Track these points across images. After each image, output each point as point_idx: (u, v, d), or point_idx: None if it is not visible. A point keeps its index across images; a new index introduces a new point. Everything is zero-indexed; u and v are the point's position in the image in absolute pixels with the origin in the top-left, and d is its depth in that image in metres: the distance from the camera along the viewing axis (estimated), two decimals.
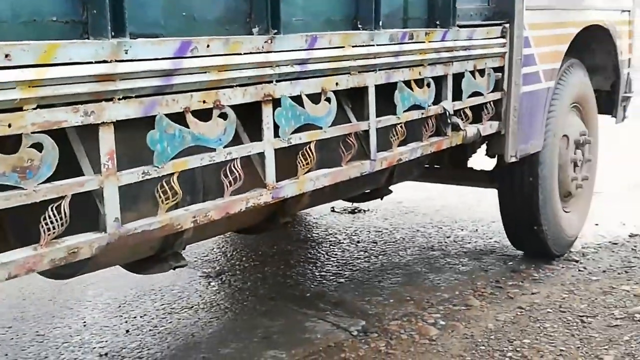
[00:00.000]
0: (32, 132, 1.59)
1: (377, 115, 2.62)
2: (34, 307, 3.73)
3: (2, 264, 1.58)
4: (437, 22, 2.97)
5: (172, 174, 1.92)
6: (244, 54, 2.07)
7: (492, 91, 3.31)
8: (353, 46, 2.46)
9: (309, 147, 2.34)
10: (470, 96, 3.16)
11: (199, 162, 2.00)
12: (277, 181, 2.24)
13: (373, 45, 2.55)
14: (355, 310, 3.53)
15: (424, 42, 2.81)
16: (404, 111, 2.75)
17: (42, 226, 1.65)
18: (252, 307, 3.65)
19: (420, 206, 5.52)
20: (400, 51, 2.68)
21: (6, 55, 1.52)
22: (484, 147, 3.80)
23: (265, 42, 2.14)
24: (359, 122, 2.57)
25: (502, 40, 3.31)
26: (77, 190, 1.70)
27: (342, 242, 4.70)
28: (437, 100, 2.96)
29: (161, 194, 1.92)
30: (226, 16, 2.14)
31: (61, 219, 1.66)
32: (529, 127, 3.61)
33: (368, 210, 5.43)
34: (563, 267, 4.08)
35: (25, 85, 1.56)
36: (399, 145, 2.77)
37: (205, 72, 1.97)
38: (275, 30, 2.19)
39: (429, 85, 2.88)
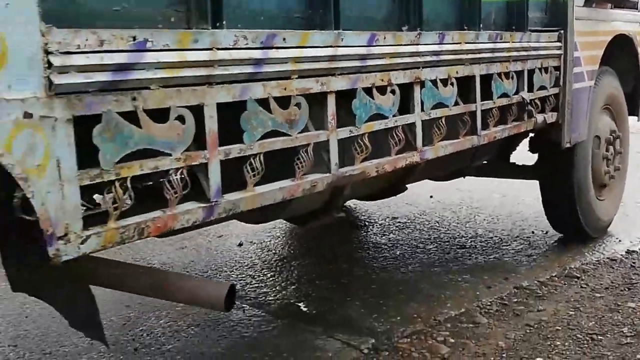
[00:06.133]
0: (296, 95, 2.27)
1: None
2: (36, 324, 3.69)
3: (280, 189, 2.24)
4: (514, 27, 3.71)
5: (365, 133, 2.61)
6: (404, 44, 2.78)
7: (552, 86, 4.05)
8: (466, 42, 3.18)
9: (441, 121, 3.04)
10: (537, 90, 3.89)
11: (380, 125, 2.69)
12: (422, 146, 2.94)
13: (478, 43, 3.28)
14: (363, 328, 3.54)
15: (509, 42, 3.54)
16: (498, 98, 3.47)
17: (297, 164, 2.33)
18: (259, 324, 3.63)
19: (416, 222, 5.60)
20: (495, 48, 3.42)
21: (284, 39, 2.21)
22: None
23: (415, 36, 2.85)
24: (468, 104, 3.28)
25: (559, 44, 4.07)
26: (316, 140, 2.38)
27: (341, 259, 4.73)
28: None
29: (357, 148, 2.60)
30: (385, 16, 2.85)
31: (309, 159, 2.34)
32: (577, 119, 4.35)
33: (364, 225, 5.52)
34: (565, 284, 4.11)
35: (293, 61, 2.25)
36: (494, 126, 3.49)
37: (383, 58, 2.67)
38: (419, 29, 2.90)
39: (512, 77, 3.60)
